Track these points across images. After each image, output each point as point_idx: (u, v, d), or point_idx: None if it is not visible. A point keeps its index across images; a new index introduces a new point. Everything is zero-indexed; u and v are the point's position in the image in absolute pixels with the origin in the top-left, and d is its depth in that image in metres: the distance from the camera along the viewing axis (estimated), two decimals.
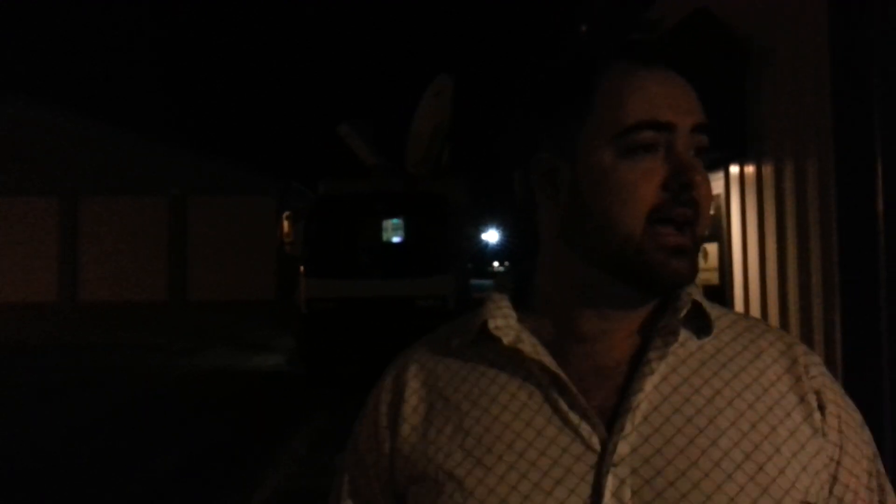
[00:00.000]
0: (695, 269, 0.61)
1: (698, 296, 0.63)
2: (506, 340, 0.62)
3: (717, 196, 3.75)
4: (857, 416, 0.65)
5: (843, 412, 0.63)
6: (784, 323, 3.19)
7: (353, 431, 0.71)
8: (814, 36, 2.84)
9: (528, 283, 0.69)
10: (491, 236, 33.07)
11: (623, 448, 0.57)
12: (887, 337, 2.59)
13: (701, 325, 0.63)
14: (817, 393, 0.62)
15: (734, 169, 3.57)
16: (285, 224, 9.32)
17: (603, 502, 0.55)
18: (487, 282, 31.96)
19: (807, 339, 3.01)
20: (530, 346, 0.62)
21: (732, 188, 3.60)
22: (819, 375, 0.63)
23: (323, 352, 8.39)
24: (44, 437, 6.04)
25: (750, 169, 3.46)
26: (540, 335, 0.63)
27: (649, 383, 0.59)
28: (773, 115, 3.22)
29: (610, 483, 0.55)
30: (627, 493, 0.55)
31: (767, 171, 3.34)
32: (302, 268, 8.67)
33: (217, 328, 13.90)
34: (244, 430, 6.36)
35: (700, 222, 0.59)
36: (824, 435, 0.60)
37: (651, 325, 0.63)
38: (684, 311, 0.61)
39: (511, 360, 0.63)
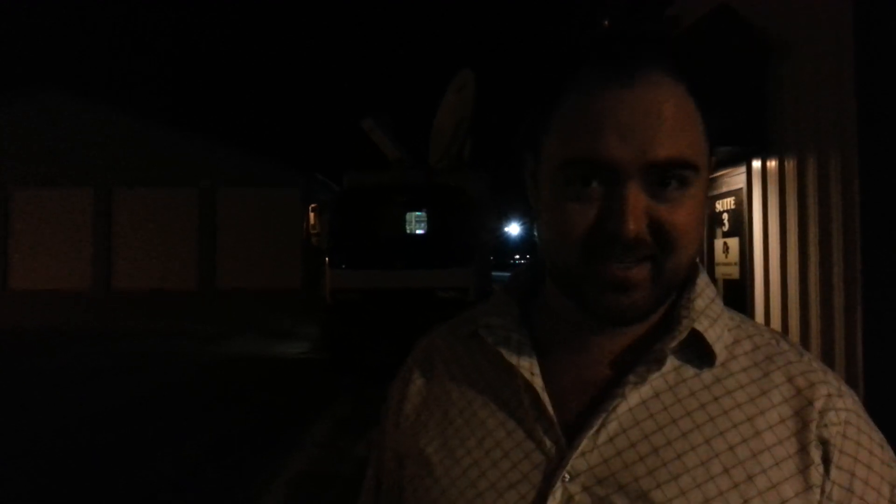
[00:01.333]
0: (643, 305, 0.55)
1: (706, 322, 0.59)
2: (490, 340, 0.63)
3: (739, 190, 3.73)
4: (890, 473, 0.56)
5: (861, 468, 0.55)
6: (804, 317, 3.18)
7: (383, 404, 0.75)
8: (837, 29, 2.81)
9: (541, 281, 0.67)
10: (512, 229, 32.95)
11: (579, 464, 0.56)
12: None
13: (703, 352, 0.58)
14: (824, 443, 0.55)
15: (756, 163, 3.55)
16: (311, 216, 9.47)
17: None
18: (508, 274, 31.77)
19: (827, 333, 3.00)
20: (515, 349, 0.61)
21: (754, 183, 3.58)
22: (838, 424, 0.55)
23: (346, 340, 8.52)
24: (75, 420, 6.25)
25: (772, 163, 3.43)
26: (539, 335, 0.63)
27: (622, 405, 0.57)
28: (795, 110, 3.19)
29: (558, 496, 0.55)
30: None
31: (790, 165, 3.32)
32: (326, 259, 8.80)
33: (244, 316, 14.17)
34: (269, 414, 6.50)
35: (665, 256, 0.54)
36: (823, 492, 0.54)
37: (648, 343, 0.59)
38: (676, 342, 0.57)
39: (499, 360, 0.62)
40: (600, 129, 0.53)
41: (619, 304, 0.55)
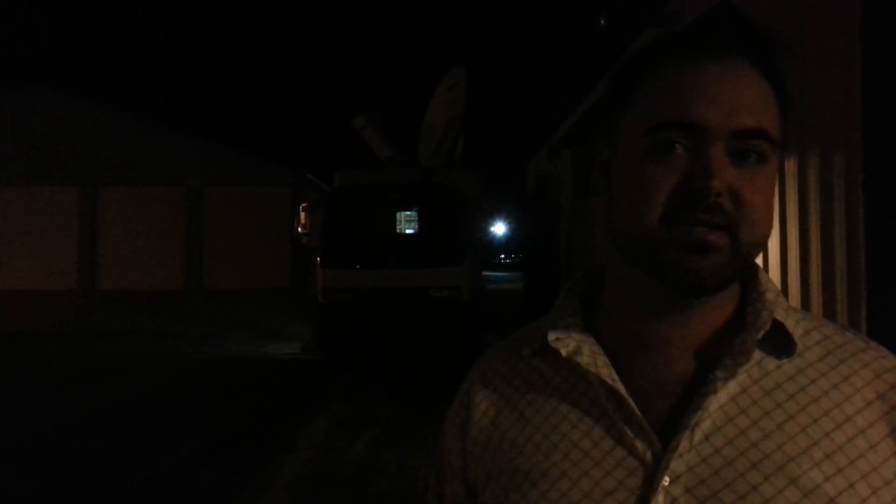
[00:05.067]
0: (721, 271, 0.55)
1: (782, 313, 0.59)
2: (564, 352, 0.62)
3: None
4: None
5: None
6: None
7: (441, 427, 0.75)
8: (844, 27, 2.81)
9: (600, 285, 0.68)
10: (499, 228, 32.97)
11: (678, 466, 0.55)
12: None
13: (783, 343, 0.59)
14: None
15: None
16: (302, 215, 9.39)
17: None
18: (497, 273, 31.86)
19: None
20: (589, 357, 0.61)
21: None
22: None
23: (339, 340, 8.47)
24: (66, 422, 6.14)
25: None
26: (605, 342, 0.63)
27: (713, 402, 0.56)
28: (797, 108, 3.20)
29: (661, 500, 0.54)
30: None
31: (790, 163, 3.32)
32: (318, 258, 8.73)
33: (233, 316, 14.04)
34: (262, 416, 6.43)
35: (742, 227, 0.55)
36: None
37: (727, 338, 0.59)
38: (762, 333, 0.58)
39: (574, 370, 0.63)
40: (690, 96, 0.56)
41: (700, 266, 0.55)
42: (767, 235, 0.58)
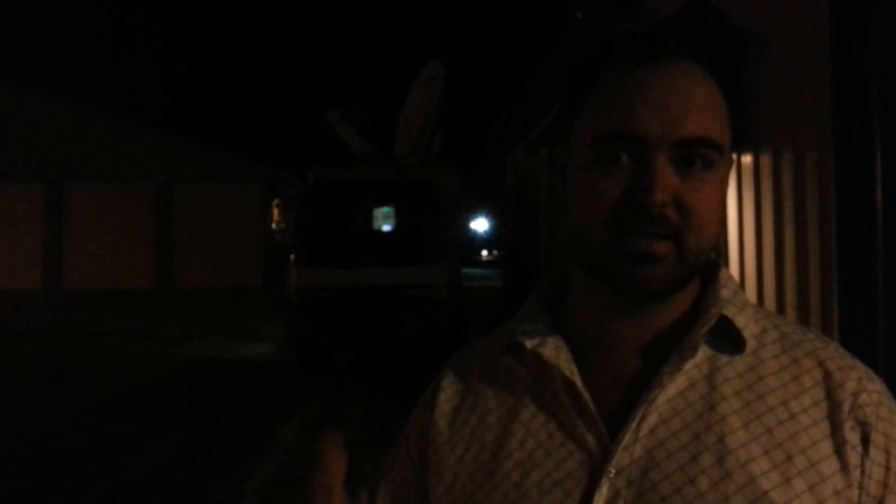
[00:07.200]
0: (668, 279, 0.57)
1: (733, 310, 0.60)
2: (528, 345, 0.64)
3: None
4: None
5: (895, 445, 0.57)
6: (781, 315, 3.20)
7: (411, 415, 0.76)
8: (813, 24, 2.83)
9: (568, 286, 0.69)
10: (479, 225, 33.07)
11: (623, 458, 0.57)
12: (884, 330, 2.60)
13: (736, 340, 0.60)
14: (862, 424, 0.56)
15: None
16: (276, 212, 9.24)
17: None
18: (476, 270, 32.04)
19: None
20: (552, 350, 0.63)
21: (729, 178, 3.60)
22: (871, 405, 0.57)
23: (314, 340, 8.36)
24: (34, 425, 5.99)
25: (747, 160, 3.46)
26: (570, 339, 0.64)
27: (661, 396, 0.58)
28: (771, 106, 3.21)
29: (604, 491, 0.56)
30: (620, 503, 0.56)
31: (765, 161, 3.34)
32: (292, 256, 8.60)
33: (205, 316, 13.81)
34: (236, 417, 6.35)
35: (687, 235, 0.56)
36: (863, 471, 0.56)
37: (679, 335, 0.61)
38: (706, 328, 0.59)
39: (539, 364, 0.64)
40: (633, 105, 0.56)
41: (646, 276, 0.57)
42: (714, 240, 0.59)
